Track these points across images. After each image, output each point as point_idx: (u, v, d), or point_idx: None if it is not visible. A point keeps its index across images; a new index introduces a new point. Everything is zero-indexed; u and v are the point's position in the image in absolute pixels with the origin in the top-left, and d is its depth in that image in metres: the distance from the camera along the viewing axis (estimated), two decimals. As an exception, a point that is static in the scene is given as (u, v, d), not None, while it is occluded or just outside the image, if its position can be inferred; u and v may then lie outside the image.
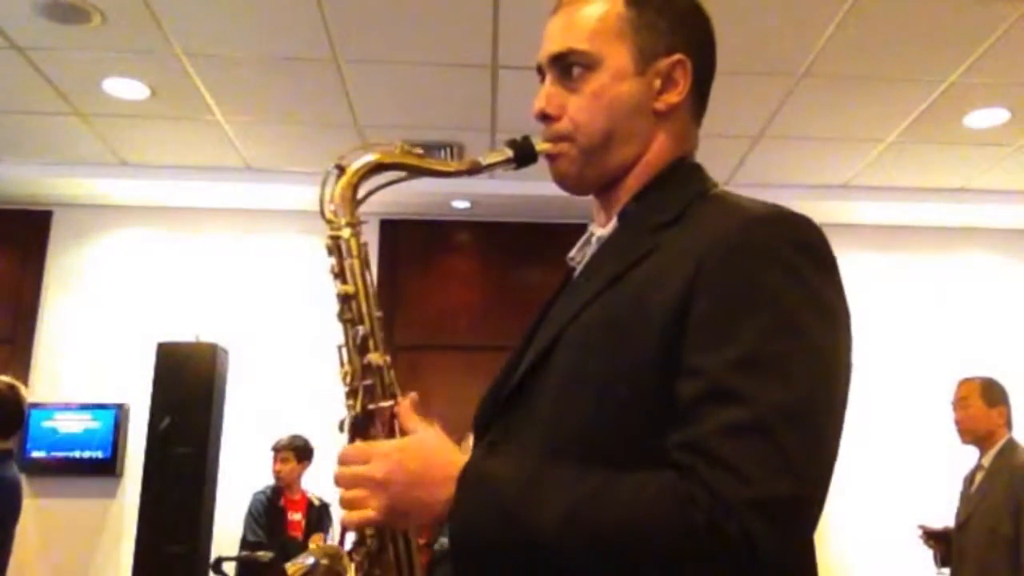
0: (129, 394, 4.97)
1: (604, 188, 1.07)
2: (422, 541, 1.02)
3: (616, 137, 1.03)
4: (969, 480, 3.56)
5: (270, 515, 4.44)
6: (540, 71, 1.08)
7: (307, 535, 4.41)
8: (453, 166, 1.08)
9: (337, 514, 4.50)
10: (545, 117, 1.06)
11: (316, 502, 4.54)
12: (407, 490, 0.89)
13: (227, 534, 4.51)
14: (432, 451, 0.92)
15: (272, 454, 4.53)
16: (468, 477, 0.88)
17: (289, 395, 4.94)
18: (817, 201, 5.08)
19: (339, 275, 1.03)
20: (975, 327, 5.32)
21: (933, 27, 3.49)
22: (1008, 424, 3.52)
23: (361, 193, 1.06)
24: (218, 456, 4.68)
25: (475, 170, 1.06)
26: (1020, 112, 4.18)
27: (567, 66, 1.04)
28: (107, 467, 4.94)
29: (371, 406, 0.99)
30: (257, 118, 4.42)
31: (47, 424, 4.92)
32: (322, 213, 1.05)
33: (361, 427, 0.99)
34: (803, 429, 0.82)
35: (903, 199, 5.20)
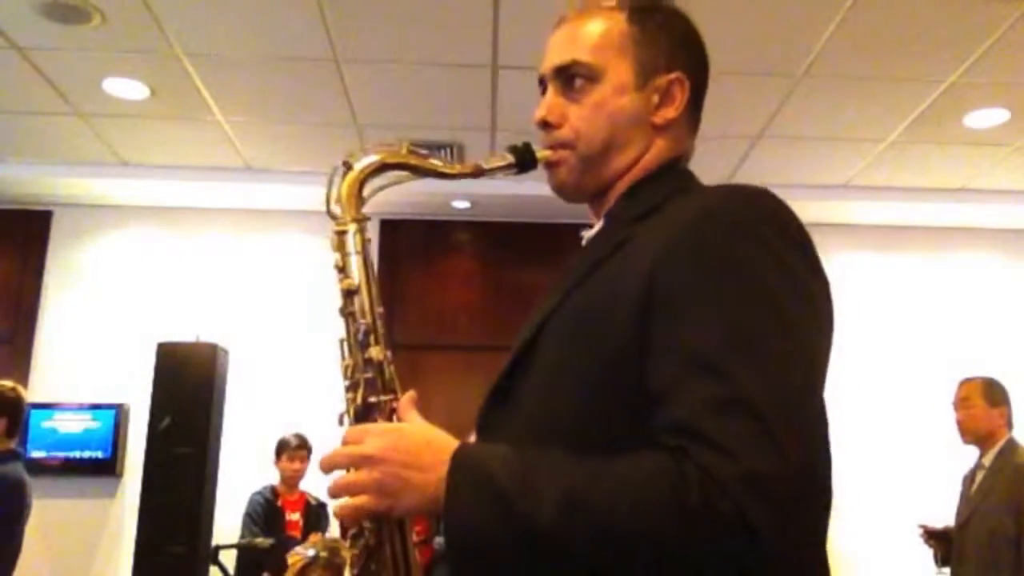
0: (129, 394, 4.97)
1: (598, 195, 1.10)
2: (418, 537, 1.02)
3: (614, 147, 1.07)
4: (969, 480, 3.56)
5: (268, 515, 4.43)
6: (542, 83, 1.12)
7: (305, 535, 4.41)
8: (456, 169, 1.11)
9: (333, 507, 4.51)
10: (546, 126, 1.09)
11: (313, 502, 4.54)
12: (399, 469, 0.89)
13: (227, 534, 4.50)
14: (427, 436, 0.92)
15: (285, 454, 4.50)
16: (460, 461, 0.88)
17: (289, 395, 4.94)
18: (817, 201, 5.08)
19: (342, 270, 1.05)
20: (975, 327, 5.32)
21: (933, 27, 3.49)
22: (1009, 424, 3.52)
23: (366, 192, 1.08)
24: (218, 456, 4.68)
25: (477, 174, 1.10)
26: (1020, 112, 4.18)
27: (570, 77, 1.07)
28: (107, 467, 4.94)
29: (371, 399, 1.00)
30: (257, 118, 4.42)
31: (47, 424, 4.92)
32: (328, 209, 1.07)
33: (361, 419, 1.00)
34: (784, 399, 0.82)
35: (903, 199, 5.21)
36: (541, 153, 1.09)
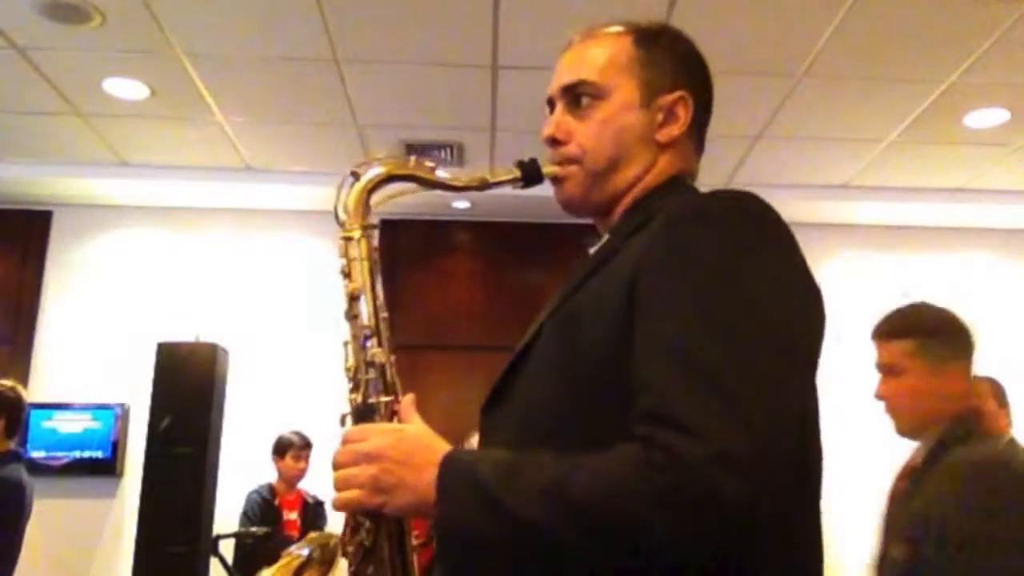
0: (129, 394, 4.97)
1: (603, 210, 1.13)
2: (416, 540, 1.03)
3: (620, 162, 1.09)
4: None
5: (266, 514, 4.42)
6: (550, 103, 1.15)
7: (303, 534, 4.41)
8: (462, 182, 1.16)
9: (332, 512, 4.52)
10: (553, 142, 1.12)
11: (311, 500, 4.53)
12: (394, 467, 0.93)
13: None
14: (425, 439, 0.96)
15: (290, 453, 4.48)
16: (451, 463, 0.91)
17: (289, 395, 4.94)
18: (817, 201, 5.08)
19: (348, 275, 1.08)
20: (975, 327, 5.31)
21: (933, 27, 3.49)
22: (1011, 424, 3.53)
23: (373, 200, 1.12)
24: (218, 456, 4.68)
25: (483, 187, 1.13)
26: (1020, 112, 4.18)
27: (576, 96, 1.11)
28: (107, 467, 4.94)
29: (372, 400, 1.03)
30: (257, 118, 4.42)
31: (47, 424, 4.92)
32: (336, 217, 1.11)
33: (362, 419, 1.03)
34: (753, 377, 0.82)
35: (903, 199, 5.21)
36: (547, 169, 1.12)
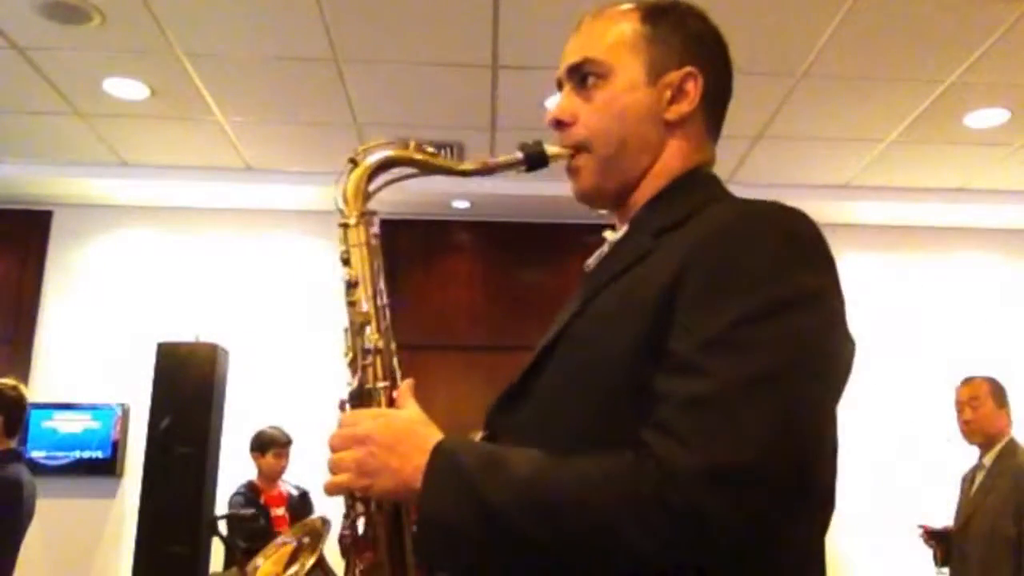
0: (129, 394, 4.97)
1: (621, 200, 1.09)
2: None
3: (629, 144, 1.06)
4: (969, 480, 3.56)
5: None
6: (559, 86, 1.12)
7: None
8: (465, 165, 1.11)
9: (318, 501, 4.47)
10: (559, 124, 1.09)
11: (295, 492, 4.48)
12: (381, 451, 0.92)
13: (227, 534, 4.50)
14: (416, 426, 0.95)
15: (272, 451, 4.44)
16: (439, 451, 0.90)
17: (289, 395, 4.94)
18: (817, 201, 5.08)
19: (347, 262, 1.07)
20: (975, 327, 5.32)
21: (933, 27, 3.49)
22: (1010, 424, 3.53)
23: (372, 187, 1.10)
24: (218, 456, 4.68)
25: (485, 170, 1.10)
26: (1020, 112, 4.18)
27: (583, 76, 1.07)
28: (107, 467, 4.94)
29: (369, 385, 1.02)
30: (257, 118, 4.42)
31: (47, 424, 4.92)
32: (336, 203, 1.09)
33: (359, 404, 1.02)
34: (765, 403, 0.81)
35: (903, 199, 5.21)
36: (551, 149, 1.08)
